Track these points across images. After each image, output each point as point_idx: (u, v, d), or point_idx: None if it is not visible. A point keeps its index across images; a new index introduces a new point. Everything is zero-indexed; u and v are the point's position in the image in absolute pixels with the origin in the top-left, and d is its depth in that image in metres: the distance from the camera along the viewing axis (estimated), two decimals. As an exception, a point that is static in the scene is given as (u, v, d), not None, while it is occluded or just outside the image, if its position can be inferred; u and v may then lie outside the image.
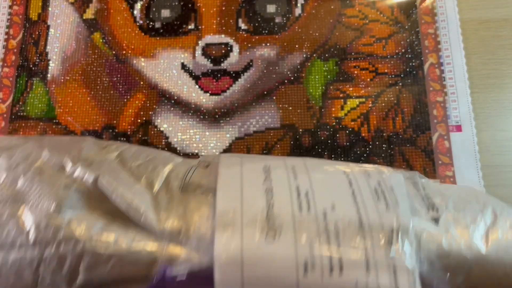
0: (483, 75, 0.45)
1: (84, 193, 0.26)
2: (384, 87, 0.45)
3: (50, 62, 0.48)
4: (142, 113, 0.46)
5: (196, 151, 0.44)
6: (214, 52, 0.47)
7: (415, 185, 0.29)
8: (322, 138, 0.44)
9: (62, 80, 0.47)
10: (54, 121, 0.46)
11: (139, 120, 0.45)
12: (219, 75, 0.46)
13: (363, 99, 0.45)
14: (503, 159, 0.43)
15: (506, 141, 0.43)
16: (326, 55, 0.46)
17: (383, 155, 0.43)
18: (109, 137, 0.45)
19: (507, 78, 0.45)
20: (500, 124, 0.44)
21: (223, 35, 0.47)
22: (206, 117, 0.45)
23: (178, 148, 0.44)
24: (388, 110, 0.44)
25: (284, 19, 0.47)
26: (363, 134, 0.44)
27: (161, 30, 0.48)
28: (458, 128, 0.43)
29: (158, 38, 0.48)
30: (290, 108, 0.45)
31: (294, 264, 0.20)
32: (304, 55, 0.46)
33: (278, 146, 0.44)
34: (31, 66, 0.48)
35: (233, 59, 0.46)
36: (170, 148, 0.44)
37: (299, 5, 0.48)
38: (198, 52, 0.47)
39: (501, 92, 0.45)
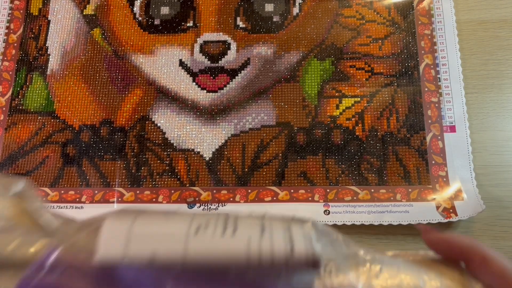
0: (482, 76, 0.46)
1: None
2: (379, 87, 0.45)
3: (50, 56, 0.48)
4: (139, 108, 0.46)
5: (192, 147, 0.45)
6: (212, 49, 0.47)
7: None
8: (317, 136, 0.44)
9: (62, 75, 0.47)
10: (53, 115, 0.46)
11: (136, 116, 0.46)
12: (216, 73, 0.46)
13: (359, 99, 0.45)
14: (501, 159, 0.43)
15: (505, 141, 0.44)
16: (323, 55, 0.46)
17: (376, 154, 0.43)
18: (106, 131, 0.45)
19: (506, 79, 0.45)
20: (498, 124, 0.44)
21: (221, 33, 0.48)
22: (203, 113, 0.46)
23: (174, 144, 0.45)
24: (383, 109, 0.44)
25: (282, 18, 0.48)
26: (358, 133, 0.44)
27: (160, 27, 0.48)
28: (452, 129, 0.43)
29: (157, 35, 0.48)
30: (286, 106, 0.45)
31: (187, 223, 0.20)
32: (301, 54, 0.47)
33: (273, 143, 0.44)
34: (31, 60, 0.48)
35: (231, 57, 0.47)
36: (166, 143, 0.45)
37: (296, 4, 0.48)
38: (196, 49, 0.47)
39: (500, 92, 0.45)
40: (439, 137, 0.43)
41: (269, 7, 0.48)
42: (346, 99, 0.45)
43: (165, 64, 0.47)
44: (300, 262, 0.19)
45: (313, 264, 0.19)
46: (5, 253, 0.20)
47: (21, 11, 0.50)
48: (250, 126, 0.45)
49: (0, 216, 0.21)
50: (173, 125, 0.45)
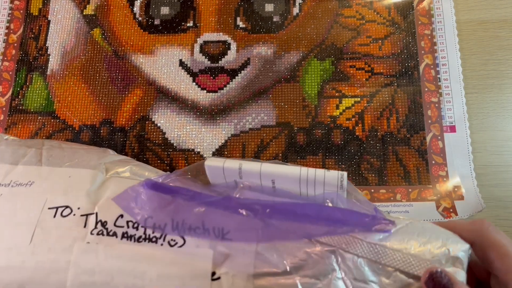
0: (482, 76, 0.46)
1: None
2: (379, 87, 0.45)
3: (50, 56, 0.48)
4: (139, 108, 0.46)
5: (192, 147, 0.45)
6: (212, 49, 0.47)
7: None
8: (317, 136, 0.44)
9: (62, 75, 0.48)
10: (53, 115, 0.46)
11: (136, 116, 0.46)
12: (216, 73, 0.46)
13: (358, 99, 0.45)
14: (501, 159, 0.43)
15: (504, 141, 0.44)
16: (323, 55, 0.46)
17: (376, 154, 0.43)
18: (106, 131, 0.45)
19: (506, 79, 0.45)
20: (498, 124, 0.44)
21: (221, 33, 0.48)
22: (203, 113, 0.46)
23: (174, 144, 0.45)
24: (383, 109, 0.44)
25: (282, 18, 0.48)
26: (358, 133, 0.44)
27: (160, 27, 0.48)
28: (452, 129, 0.43)
29: (157, 35, 0.48)
30: (286, 106, 0.45)
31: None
32: (301, 54, 0.47)
33: (273, 143, 0.44)
34: (31, 60, 0.48)
35: (231, 57, 0.47)
36: (166, 143, 0.45)
37: (297, 4, 0.48)
38: (196, 49, 0.47)
39: (500, 93, 0.45)
40: (439, 137, 0.43)
41: (269, 7, 0.48)
42: (346, 99, 0.45)
43: (165, 64, 0.47)
44: (333, 178, 0.30)
45: (341, 181, 0.30)
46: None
47: (21, 11, 0.50)
48: (250, 126, 0.45)
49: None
50: (173, 125, 0.45)
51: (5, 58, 0.48)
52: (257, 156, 0.44)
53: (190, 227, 0.31)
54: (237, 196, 0.33)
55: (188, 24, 0.48)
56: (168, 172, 0.36)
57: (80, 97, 0.47)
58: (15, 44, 0.49)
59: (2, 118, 0.46)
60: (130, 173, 0.36)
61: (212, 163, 0.33)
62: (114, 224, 0.32)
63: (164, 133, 0.45)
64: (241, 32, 0.48)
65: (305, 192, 0.32)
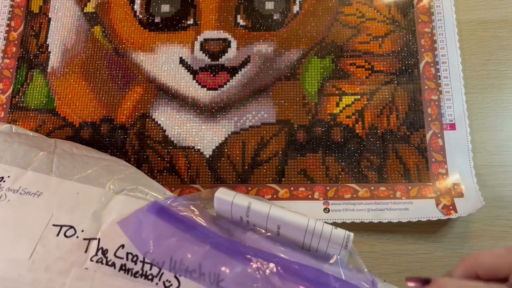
0: (482, 76, 0.46)
1: None
2: (379, 85, 0.45)
3: (51, 54, 0.48)
4: (140, 106, 0.46)
5: (192, 144, 0.45)
6: (212, 47, 0.47)
7: None
8: (317, 134, 0.44)
9: (62, 72, 0.48)
10: (53, 112, 0.46)
11: (136, 113, 0.46)
12: (216, 70, 0.47)
13: (359, 96, 0.45)
14: (500, 159, 0.43)
15: (504, 141, 0.44)
16: (323, 52, 0.47)
17: (376, 152, 0.43)
18: (107, 129, 0.46)
19: (506, 79, 0.45)
20: (498, 124, 0.44)
21: (221, 31, 0.48)
22: (203, 111, 0.46)
23: (174, 141, 0.45)
24: (383, 107, 0.44)
25: (282, 16, 0.48)
26: (358, 131, 0.44)
27: (161, 25, 0.48)
28: (452, 127, 0.43)
29: (157, 33, 0.48)
30: (286, 104, 0.45)
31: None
32: (301, 52, 0.47)
33: (273, 141, 0.44)
34: (32, 58, 0.48)
35: (231, 55, 0.47)
36: (167, 141, 0.45)
37: (297, 2, 0.48)
38: (197, 47, 0.47)
39: (500, 93, 0.45)
40: (439, 135, 0.43)
41: (269, 5, 0.48)
42: (346, 97, 0.45)
43: (165, 61, 0.47)
44: (339, 237, 0.30)
45: (346, 242, 0.31)
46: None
47: (22, 9, 0.50)
48: (250, 123, 0.45)
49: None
50: (174, 123, 0.45)
51: (6, 56, 0.48)
52: (257, 153, 0.44)
53: (187, 269, 0.31)
54: (241, 240, 0.32)
55: (188, 22, 0.48)
56: (176, 196, 0.36)
57: (81, 95, 0.47)
58: (16, 42, 0.49)
59: (2, 115, 0.47)
60: (138, 191, 0.35)
61: (222, 196, 0.32)
62: (115, 254, 0.32)
63: (165, 131, 0.45)
64: (242, 30, 0.48)
65: (308, 244, 0.32)
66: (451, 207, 0.40)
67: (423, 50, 0.46)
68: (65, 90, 0.47)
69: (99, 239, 0.33)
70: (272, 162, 0.44)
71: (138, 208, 0.34)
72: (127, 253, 0.32)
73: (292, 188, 0.43)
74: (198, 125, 0.45)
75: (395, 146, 0.43)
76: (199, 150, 0.44)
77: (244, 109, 0.45)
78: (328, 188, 0.42)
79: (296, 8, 0.48)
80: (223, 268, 0.31)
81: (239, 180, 0.43)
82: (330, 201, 0.42)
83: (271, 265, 0.31)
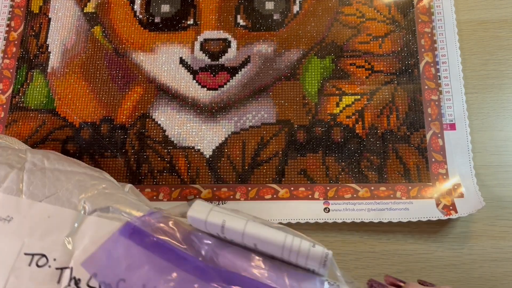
0: (482, 76, 0.46)
1: None
2: (379, 85, 0.45)
3: (51, 54, 0.48)
4: (140, 106, 0.46)
5: (193, 144, 0.45)
6: (212, 47, 0.47)
7: None
8: (317, 134, 0.44)
9: (62, 72, 0.48)
10: (53, 112, 0.46)
11: (137, 113, 0.46)
12: (216, 70, 0.47)
13: (359, 96, 0.45)
14: (500, 159, 0.43)
15: (504, 141, 0.44)
16: (323, 52, 0.47)
17: (376, 152, 0.43)
18: (107, 129, 0.46)
19: (506, 79, 0.45)
20: (498, 124, 0.44)
21: (221, 31, 0.48)
22: (203, 111, 0.46)
23: (174, 141, 0.45)
24: (383, 107, 0.44)
25: (282, 16, 0.48)
26: (358, 131, 0.44)
27: (161, 25, 0.48)
28: (452, 127, 0.43)
29: (157, 33, 0.48)
30: (286, 104, 0.45)
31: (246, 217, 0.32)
32: (301, 52, 0.47)
33: (273, 141, 0.44)
34: (32, 58, 0.48)
35: (231, 55, 0.47)
36: (167, 141, 0.45)
37: (297, 2, 0.48)
38: (197, 47, 0.47)
39: (500, 93, 0.45)
40: (439, 135, 0.43)
41: (269, 5, 0.48)
42: (346, 97, 0.45)
43: (165, 62, 0.47)
44: (317, 255, 0.29)
45: (325, 260, 0.29)
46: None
47: (22, 9, 0.50)
48: (250, 123, 0.45)
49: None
50: (174, 123, 0.45)
51: (6, 56, 0.48)
52: (257, 153, 0.44)
53: None
54: (216, 261, 0.32)
55: (188, 22, 0.48)
56: (153, 209, 0.35)
57: (81, 95, 0.47)
58: (16, 42, 0.49)
59: (2, 115, 0.47)
60: (111, 211, 0.34)
61: (194, 215, 0.32)
62: (87, 284, 0.31)
63: (165, 131, 0.45)
64: (242, 30, 0.48)
65: (287, 259, 0.31)
66: (451, 207, 0.40)
67: (423, 50, 0.46)
68: (65, 90, 0.47)
69: (71, 268, 0.32)
70: (272, 162, 0.44)
71: (110, 229, 0.33)
72: (100, 282, 0.31)
73: (292, 188, 0.43)
74: (198, 125, 0.45)
75: (395, 146, 0.43)
76: (199, 150, 0.44)
77: (244, 109, 0.45)
78: (328, 188, 0.42)
79: (296, 8, 0.48)
80: None
81: (239, 180, 0.43)
82: (330, 201, 0.42)
83: None
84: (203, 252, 0.32)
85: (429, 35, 0.46)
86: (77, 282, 0.32)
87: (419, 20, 0.47)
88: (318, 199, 0.42)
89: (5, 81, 0.48)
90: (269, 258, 0.33)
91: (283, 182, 0.43)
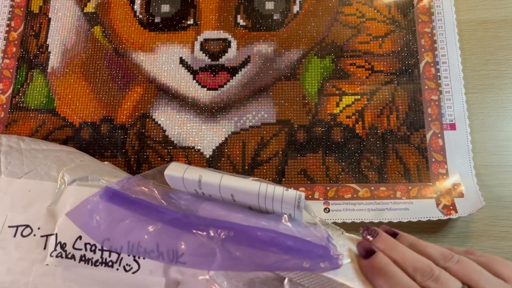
0: (482, 76, 0.46)
1: None
2: (379, 85, 0.45)
3: (51, 54, 0.48)
4: (140, 106, 0.46)
5: (193, 144, 0.45)
6: (212, 47, 0.47)
7: None
8: (317, 134, 0.44)
9: (62, 72, 0.48)
10: (53, 112, 0.46)
11: (137, 113, 0.46)
12: (216, 70, 0.47)
13: (359, 96, 0.45)
14: (500, 159, 0.43)
15: (504, 141, 0.44)
16: (323, 52, 0.47)
17: (377, 152, 0.43)
18: (107, 129, 0.46)
19: (506, 79, 0.45)
20: (498, 124, 0.44)
21: (221, 31, 0.48)
22: (203, 111, 0.46)
23: (175, 141, 0.45)
24: (383, 107, 0.44)
25: (282, 16, 0.48)
26: (358, 131, 0.44)
27: (161, 25, 0.48)
28: (452, 127, 0.43)
29: (157, 33, 0.48)
30: (286, 104, 0.45)
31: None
32: (301, 52, 0.47)
33: (273, 141, 0.44)
34: (32, 58, 0.48)
35: (231, 55, 0.47)
36: (167, 141, 0.45)
37: (297, 2, 0.48)
38: (197, 47, 0.47)
39: (500, 93, 0.45)
40: (439, 135, 0.43)
41: (269, 5, 0.48)
42: (346, 97, 0.45)
43: (165, 62, 0.47)
44: (291, 197, 0.31)
45: (298, 202, 0.31)
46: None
47: (22, 9, 0.50)
48: (250, 123, 0.45)
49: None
50: (174, 123, 0.45)
51: (6, 56, 0.48)
52: (257, 153, 0.44)
53: (145, 250, 0.32)
54: (196, 214, 0.33)
55: (188, 22, 0.48)
56: (129, 176, 0.36)
57: (81, 95, 0.47)
58: (16, 42, 0.49)
59: (2, 115, 0.47)
60: (90, 180, 0.36)
61: (171, 173, 0.33)
62: (73, 247, 0.33)
63: (165, 131, 0.45)
64: (242, 30, 0.48)
65: (264, 207, 0.33)
66: (451, 207, 0.40)
67: (423, 50, 0.46)
68: (65, 90, 0.47)
69: (56, 234, 0.33)
70: (272, 162, 0.44)
71: (90, 195, 0.34)
72: (85, 244, 0.33)
73: (292, 188, 0.43)
74: (198, 125, 0.45)
75: (395, 146, 0.43)
76: (199, 150, 0.44)
77: (244, 109, 0.45)
78: (328, 188, 0.42)
79: (296, 8, 0.48)
80: (180, 243, 0.32)
81: (239, 180, 0.43)
82: (330, 201, 0.42)
83: (226, 232, 0.32)
84: (182, 207, 0.33)
85: (429, 35, 0.46)
86: (63, 246, 0.33)
87: (419, 20, 0.47)
88: (318, 199, 0.42)
89: (5, 81, 0.48)
90: (247, 208, 0.33)
91: (283, 182, 0.43)
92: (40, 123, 0.46)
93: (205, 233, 0.32)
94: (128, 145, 0.45)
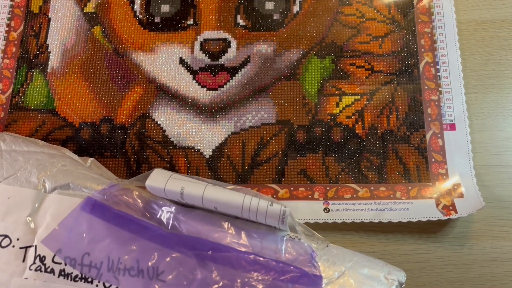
0: (482, 76, 0.46)
1: None
2: (379, 85, 0.45)
3: (50, 54, 0.48)
4: (140, 106, 0.46)
5: (192, 144, 0.45)
6: (212, 47, 0.47)
7: None
8: (317, 134, 0.44)
9: (62, 72, 0.48)
10: (53, 112, 0.46)
11: (136, 113, 0.46)
12: (216, 70, 0.47)
13: (358, 97, 0.45)
14: (500, 159, 0.43)
15: (504, 141, 0.44)
16: (323, 52, 0.47)
17: (376, 152, 0.43)
18: (107, 129, 0.46)
19: (506, 79, 0.45)
20: (498, 125, 0.44)
21: (221, 31, 0.48)
22: (203, 111, 0.46)
23: (174, 142, 0.45)
24: (383, 107, 0.44)
25: (282, 16, 0.48)
26: (358, 131, 0.44)
27: (161, 25, 0.48)
28: (452, 127, 0.43)
29: (157, 33, 0.48)
30: (286, 104, 0.45)
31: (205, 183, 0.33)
32: (301, 52, 0.47)
33: (273, 141, 0.44)
34: (32, 58, 0.48)
35: (231, 55, 0.47)
36: (167, 141, 0.45)
37: (297, 2, 0.48)
38: (197, 47, 0.47)
39: (500, 93, 0.45)
40: (439, 135, 0.43)
41: (269, 5, 0.48)
42: (346, 97, 0.45)
43: (165, 62, 0.47)
44: (275, 213, 0.31)
45: (282, 217, 0.31)
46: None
47: (22, 9, 0.50)
48: (250, 124, 0.45)
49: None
50: (173, 123, 0.45)
51: (6, 56, 0.48)
52: (257, 154, 0.44)
53: (125, 268, 0.31)
54: (179, 229, 0.33)
55: (188, 22, 0.48)
56: (114, 181, 0.35)
57: (81, 95, 0.47)
58: (16, 42, 0.49)
59: (2, 115, 0.47)
60: (71, 188, 0.35)
61: (153, 184, 0.32)
62: (53, 260, 0.32)
63: (164, 131, 0.45)
64: (242, 30, 0.48)
65: (247, 218, 0.32)
66: (451, 208, 0.40)
67: (423, 50, 0.46)
68: (65, 90, 0.47)
69: (35, 246, 0.32)
70: (272, 162, 0.44)
71: (71, 206, 0.33)
72: (65, 257, 0.32)
73: (292, 188, 0.43)
74: (198, 125, 0.45)
75: (395, 146, 0.43)
76: (199, 150, 0.44)
77: (244, 109, 0.45)
78: (328, 188, 0.42)
79: (296, 8, 0.48)
80: (161, 261, 0.31)
81: (239, 181, 0.43)
82: (330, 201, 0.42)
83: (208, 253, 0.31)
84: (164, 221, 0.33)
85: (429, 35, 0.46)
86: (42, 259, 0.32)
87: (419, 20, 0.47)
88: (318, 199, 0.42)
89: (5, 81, 0.48)
90: (232, 218, 0.33)
91: (283, 182, 0.43)
92: (40, 123, 0.46)
93: (186, 251, 0.31)
94: (128, 145, 0.45)
